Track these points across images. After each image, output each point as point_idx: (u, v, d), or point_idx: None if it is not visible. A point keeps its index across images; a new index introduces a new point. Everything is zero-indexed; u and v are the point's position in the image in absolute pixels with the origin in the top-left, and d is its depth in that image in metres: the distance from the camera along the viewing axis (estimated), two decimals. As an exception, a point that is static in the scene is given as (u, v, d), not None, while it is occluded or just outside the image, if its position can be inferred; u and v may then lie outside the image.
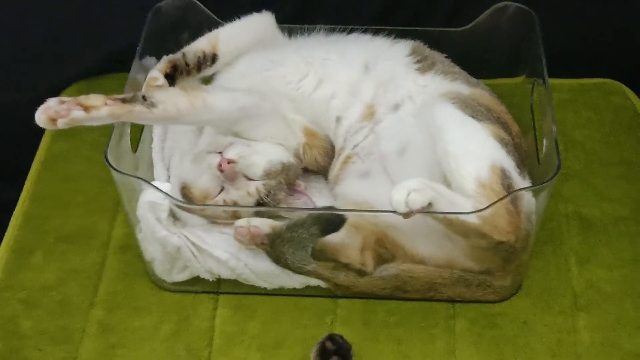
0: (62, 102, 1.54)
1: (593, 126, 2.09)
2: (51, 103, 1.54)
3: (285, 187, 1.79)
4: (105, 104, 1.57)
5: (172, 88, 1.79)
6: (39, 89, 2.15)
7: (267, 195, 1.75)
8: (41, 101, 1.57)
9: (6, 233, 1.89)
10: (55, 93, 2.15)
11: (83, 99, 1.57)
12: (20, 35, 2.15)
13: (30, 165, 2.03)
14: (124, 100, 1.60)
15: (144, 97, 1.62)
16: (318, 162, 1.87)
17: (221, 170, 1.73)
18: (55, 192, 1.96)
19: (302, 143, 1.85)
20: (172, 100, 1.65)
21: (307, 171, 1.90)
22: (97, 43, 2.16)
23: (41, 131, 1.55)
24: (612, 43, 2.21)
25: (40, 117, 1.53)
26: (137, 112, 1.61)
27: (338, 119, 1.88)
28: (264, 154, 1.77)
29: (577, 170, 1.99)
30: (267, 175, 1.76)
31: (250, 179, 1.75)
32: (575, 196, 1.94)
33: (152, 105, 1.62)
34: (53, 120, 1.53)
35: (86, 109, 1.55)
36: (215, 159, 1.74)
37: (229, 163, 1.73)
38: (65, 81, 2.19)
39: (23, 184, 1.99)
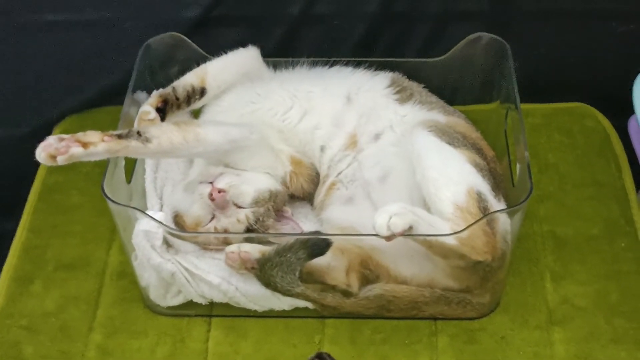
0: (61, 140, 1.58)
1: (566, 149, 2.12)
2: (51, 140, 1.58)
3: (273, 214, 1.82)
4: (102, 140, 1.61)
5: (165, 123, 1.82)
6: (33, 123, 2.20)
7: (256, 222, 1.79)
8: (36, 135, 1.59)
9: (6, 263, 1.92)
10: (49, 127, 2.20)
11: (81, 135, 1.60)
12: (15, 71, 2.17)
13: (26, 198, 2.05)
14: (120, 136, 1.64)
15: (139, 133, 1.66)
16: (304, 189, 1.91)
17: (212, 199, 1.76)
18: (52, 223, 1.99)
19: (288, 171, 1.89)
20: (166, 135, 1.69)
21: (293, 198, 1.93)
22: (89, 78, 2.18)
23: (36, 164, 1.60)
24: (582, 68, 2.24)
25: (41, 154, 1.57)
26: (132, 148, 1.65)
27: (322, 148, 1.91)
28: (252, 183, 1.81)
29: (551, 192, 2.02)
30: (256, 203, 1.80)
31: (240, 207, 1.79)
32: (550, 216, 1.97)
33: (147, 140, 1.66)
34: (53, 157, 1.57)
35: (84, 145, 1.59)
36: (207, 189, 1.78)
37: (219, 192, 1.76)
38: (59, 115, 2.21)
39: (20, 215, 2.02)
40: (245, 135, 1.82)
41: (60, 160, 1.57)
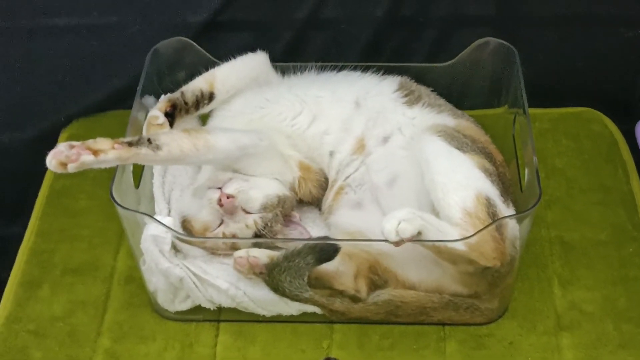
0: (72, 147, 1.57)
1: (573, 154, 2.12)
2: (61, 148, 1.57)
3: (281, 219, 1.82)
4: (113, 148, 1.61)
5: (175, 130, 1.83)
6: (40, 127, 2.19)
7: (265, 227, 1.79)
8: (43, 139, 1.60)
9: (14, 267, 1.92)
10: (56, 131, 2.19)
11: (91, 143, 1.60)
12: (22, 75, 2.17)
13: (34, 202, 2.05)
14: (130, 144, 1.63)
15: (149, 140, 1.66)
16: (312, 194, 1.91)
17: (221, 205, 1.76)
18: (60, 227, 1.99)
19: (297, 177, 1.89)
20: (176, 142, 1.69)
21: (301, 203, 1.93)
22: (96, 83, 2.18)
23: (44, 168, 1.60)
24: (589, 73, 2.24)
25: (52, 161, 1.56)
26: (143, 155, 1.65)
27: (331, 153, 1.91)
28: (261, 188, 1.81)
29: (559, 197, 2.02)
30: (264, 208, 1.80)
31: (248, 213, 1.79)
32: (557, 222, 1.97)
33: (157, 147, 1.66)
34: (64, 165, 1.56)
35: (95, 152, 1.58)
36: (215, 194, 1.78)
37: (228, 198, 1.76)
38: (66, 119, 2.21)
39: (28, 220, 2.01)
40: (254, 142, 1.82)
41: (71, 167, 1.57)
